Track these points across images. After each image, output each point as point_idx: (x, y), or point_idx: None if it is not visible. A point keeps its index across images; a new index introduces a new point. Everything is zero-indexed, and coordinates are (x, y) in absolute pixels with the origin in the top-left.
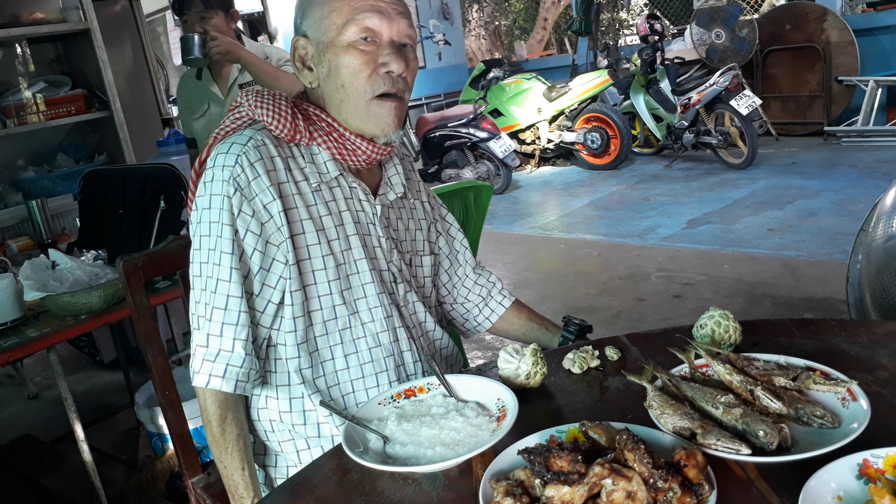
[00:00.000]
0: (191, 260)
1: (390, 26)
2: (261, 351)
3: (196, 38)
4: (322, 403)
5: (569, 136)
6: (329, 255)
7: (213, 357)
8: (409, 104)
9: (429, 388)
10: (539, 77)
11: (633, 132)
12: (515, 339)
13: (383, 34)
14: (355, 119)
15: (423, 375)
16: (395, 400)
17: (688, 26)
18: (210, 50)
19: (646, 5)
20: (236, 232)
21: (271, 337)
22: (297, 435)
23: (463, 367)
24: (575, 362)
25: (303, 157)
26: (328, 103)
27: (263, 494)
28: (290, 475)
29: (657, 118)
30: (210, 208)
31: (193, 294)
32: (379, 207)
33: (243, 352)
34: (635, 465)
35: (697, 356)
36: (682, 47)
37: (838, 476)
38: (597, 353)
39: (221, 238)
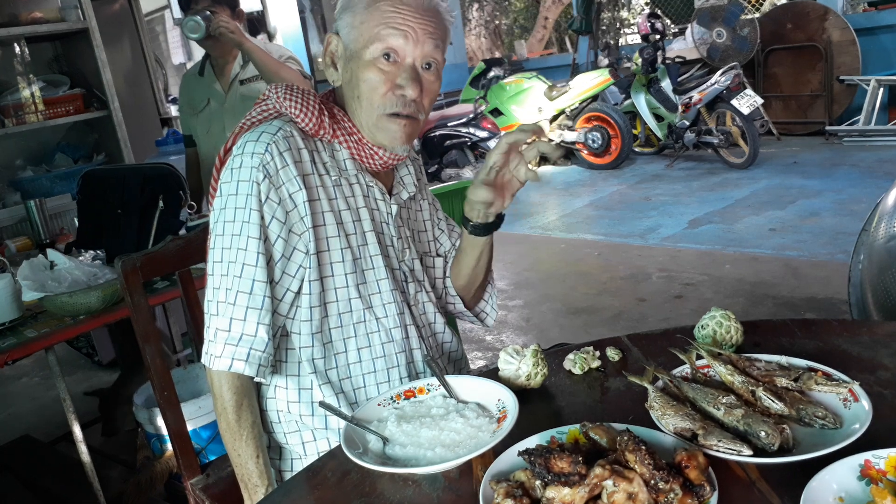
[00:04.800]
0: (211, 246)
1: (414, 48)
2: (275, 340)
3: (206, 12)
4: (321, 404)
5: (569, 136)
6: (347, 248)
7: (235, 341)
8: None
9: (429, 389)
10: (539, 76)
11: (634, 131)
12: (466, 264)
13: (406, 56)
14: (366, 128)
15: (431, 374)
16: (394, 401)
17: (689, 25)
18: (215, 24)
19: (647, 4)
20: (263, 218)
21: (285, 325)
22: (304, 426)
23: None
24: (576, 363)
25: (325, 151)
26: (346, 105)
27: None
28: (294, 468)
29: (658, 117)
30: (237, 194)
31: (213, 280)
32: (394, 207)
33: (266, 336)
34: (636, 467)
35: (699, 357)
36: (683, 46)
37: (840, 477)
38: (598, 353)
39: (249, 223)
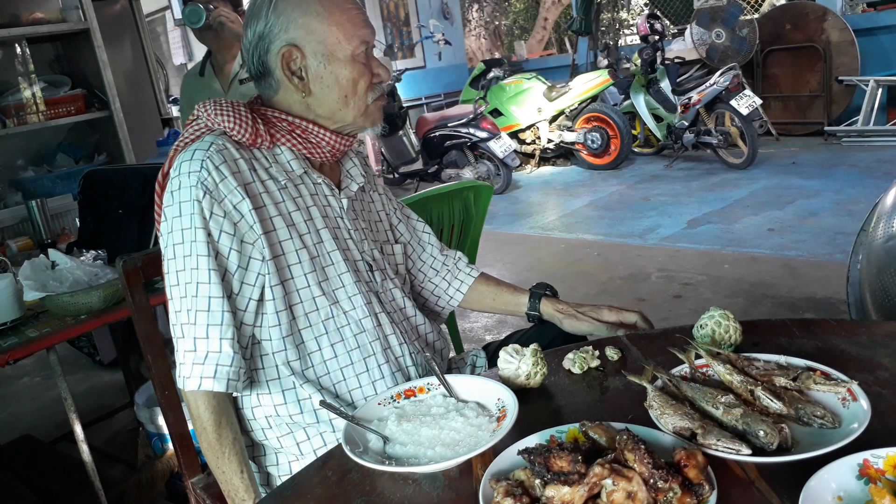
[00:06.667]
0: (166, 271)
1: (372, 36)
2: (245, 351)
3: (209, 5)
4: (323, 403)
5: (569, 136)
6: (302, 248)
7: (202, 360)
8: (410, 104)
9: (429, 388)
10: (539, 77)
11: (634, 132)
12: (487, 308)
13: (371, 45)
14: (350, 119)
15: (411, 357)
16: (395, 400)
17: (688, 26)
18: (215, 14)
19: (646, 5)
20: (209, 234)
21: (255, 334)
22: (296, 426)
23: (457, 352)
24: (575, 362)
25: (266, 158)
26: (315, 109)
27: (263, 495)
28: (292, 470)
29: (657, 118)
30: (181, 215)
31: (173, 304)
32: (345, 201)
33: (231, 350)
34: (635, 466)
35: (698, 356)
36: (682, 47)
37: (839, 476)
38: (597, 353)
39: (196, 242)
